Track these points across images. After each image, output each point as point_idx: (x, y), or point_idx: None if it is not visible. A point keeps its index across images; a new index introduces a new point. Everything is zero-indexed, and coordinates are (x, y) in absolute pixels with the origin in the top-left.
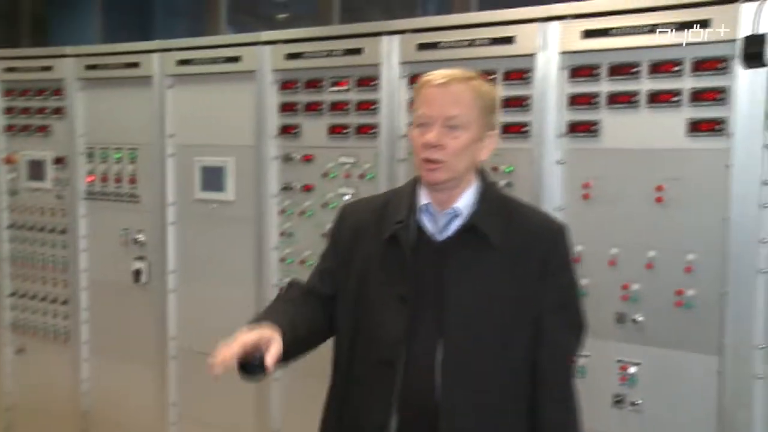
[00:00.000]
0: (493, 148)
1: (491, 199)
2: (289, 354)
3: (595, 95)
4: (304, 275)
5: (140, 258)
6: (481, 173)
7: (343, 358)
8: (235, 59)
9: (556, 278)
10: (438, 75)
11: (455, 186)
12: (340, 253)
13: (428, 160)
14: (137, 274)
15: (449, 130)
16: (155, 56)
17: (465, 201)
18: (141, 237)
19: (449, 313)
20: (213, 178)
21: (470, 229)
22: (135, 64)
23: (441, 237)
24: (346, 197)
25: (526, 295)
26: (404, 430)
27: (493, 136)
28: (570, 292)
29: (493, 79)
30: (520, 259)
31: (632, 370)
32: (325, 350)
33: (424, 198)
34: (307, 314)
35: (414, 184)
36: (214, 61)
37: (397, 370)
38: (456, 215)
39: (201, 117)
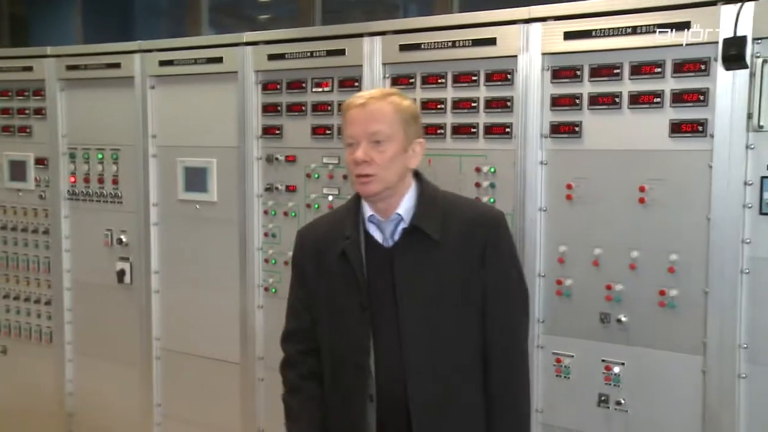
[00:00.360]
0: (422, 154)
1: (429, 199)
2: None
3: (577, 96)
4: (288, 275)
5: (124, 259)
6: (417, 176)
7: (326, 366)
8: (217, 60)
9: (496, 262)
10: (358, 97)
11: (392, 194)
12: (308, 280)
13: (360, 175)
14: (121, 274)
15: (374, 145)
16: (137, 57)
17: (405, 206)
18: (124, 238)
19: (404, 312)
20: (196, 179)
21: (413, 231)
22: (116, 65)
23: (389, 243)
24: (330, 198)
25: (471, 281)
26: (384, 423)
27: (420, 144)
28: (508, 272)
29: (476, 80)
30: (462, 249)
31: (616, 369)
32: None
33: (368, 210)
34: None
35: (358, 199)
36: (195, 61)
37: (367, 372)
38: (400, 220)
39: (183, 118)
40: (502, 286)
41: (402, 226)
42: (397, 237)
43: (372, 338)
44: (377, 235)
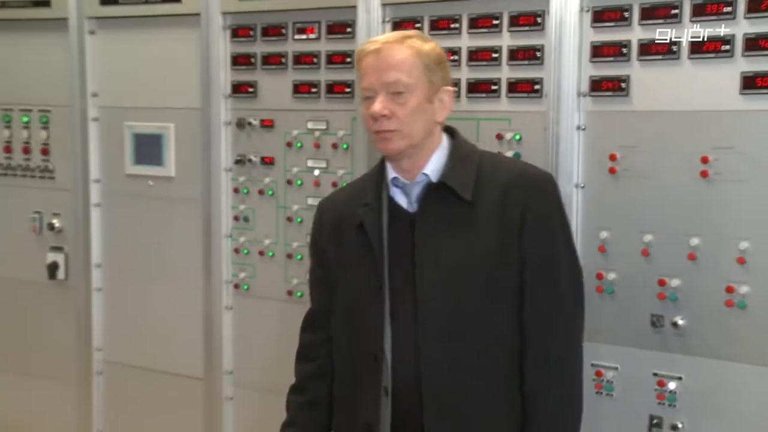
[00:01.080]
0: (452, 105)
1: (462, 155)
2: None
3: (624, 44)
4: (263, 268)
5: (56, 249)
6: (450, 132)
7: (339, 355)
8: None
9: (538, 234)
10: (371, 42)
11: (417, 152)
12: (327, 261)
13: (380, 131)
14: (53, 268)
15: (394, 96)
16: None
17: (433, 165)
18: (57, 222)
19: (422, 284)
20: (148, 149)
21: (440, 190)
22: (45, 3)
23: (415, 208)
24: (316, 172)
25: (507, 252)
26: (402, 419)
27: (448, 92)
28: (555, 249)
29: (497, 25)
30: (498, 213)
31: (672, 385)
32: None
33: (392, 172)
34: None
35: (383, 161)
36: (147, 0)
37: (381, 362)
38: (428, 182)
39: (132, 72)
40: (546, 262)
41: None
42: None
43: (390, 322)
44: (402, 201)
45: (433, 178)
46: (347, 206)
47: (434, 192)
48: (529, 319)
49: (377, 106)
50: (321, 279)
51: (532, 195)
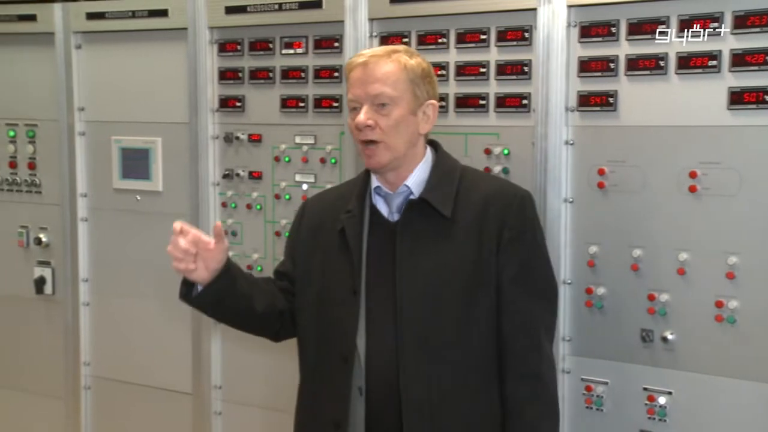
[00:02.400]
0: (436, 118)
1: (444, 171)
2: (222, 297)
3: (612, 59)
4: None
5: (44, 263)
6: (433, 145)
7: (307, 356)
8: (161, 13)
9: (514, 247)
10: (359, 55)
11: (401, 164)
12: (296, 254)
13: (365, 143)
14: (40, 283)
15: (378, 108)
16: (57, 7)
17: (416, 177)
18: (44, 237)
19: (402, 294)
20: (136, 164)
21: (420, 205)
22: (31, 17)
23: (396, 218)
24: (304, 186)
25: (483, 266)
26: (375, 420)
27: (432, 106)
28: (532, 261)
29: (485, 40)
30: (476, 229)
31: (662, 400)
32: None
33: (375, 182)
34: (264, 288)
35: (368, 170)
36: (134, 14)
37: (351, 364)
38: (409, 193)
39: (119, 86)
40: (521, 276)
41: (410, 198)
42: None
43: (366, 325)
44: (383, 209)
45: (414, 191)
46: (331, 210)
47: (415, 206)
48: (507, 331)
49: (362, 116)
50: (284, 272)
51: (509, 211)
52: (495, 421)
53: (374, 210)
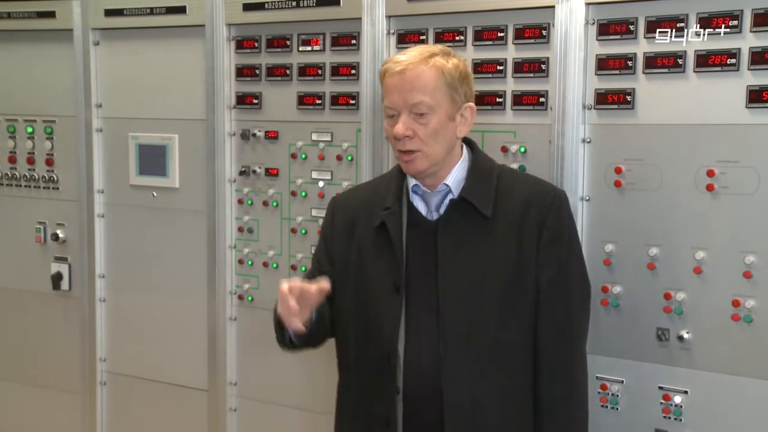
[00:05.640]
0: (473, 121)
1: (482, 171)
2: (313, 337)
3: (630, 57)
4: (267, 279)
5: (60, 259)
6: (470, 144)
7: (348, 354)
8: (179, 10)
9: (552, 248)
10: (395, 62)
11: (439, 169)
12: (333, 252)
13: (403, 151)
14: (57, 279)
15: (417, 117)
16: (76, 4)
17: (454, 176)
18: (61, 233)
19: (444, 293)
20: (153, 160)
21: (460, 204)
22: (50, 14)
23: (435, 216)
24: (321, 184)
25: (523, 266)
26: (411, 419)
27: (470, 108)
28: (570, 262)
29: (502, 37)
30: (516, 229)
31: (678, 399)
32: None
33: (412, 180)
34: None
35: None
36: (152, 11)
37: (394, 362)
38: (448, 192)
39: (137, 83)
40: (559, 277)
41: (450, 197)
42: (443, 210)
43: (404, 323)
44: (421, 208)
45: (454, 190)
46: (365, 206)
47: (456, 205)
48: (543, 331)
49: (400, 127)
50: (322, 272)
51: (548, 211)
52: (530, 419)
53: (412, 208)
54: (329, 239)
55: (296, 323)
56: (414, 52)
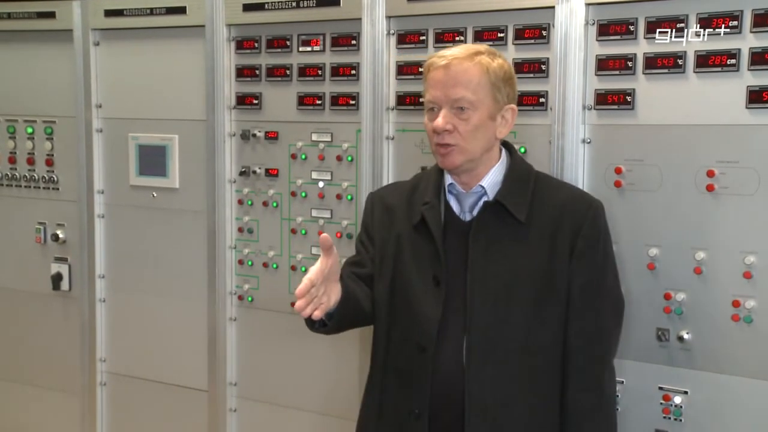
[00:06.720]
0: (513, 122)
1: (519, 175)
2: (343, 317)
3: (630, 57)
4: (267, 280)
5: (60, 259)
6: (508, 148)
7: (380, 345)
8: (179, 10)
9: (587, 257)
10: (441, 56)
11: (476, 166)
12: (375, 238)
13: (440, 145)
14: (57, 279)
15: (458, 112)
16: (76, 4)
17: (491, 179)
18: (61, 233)
19: (473, 297)
20: (153, 160)
21: (495, 207)
22: (50, 14)
23: (468, 217)
24: (320, 184)
25: (555, 273)
26: (436, 415)
27: (512, 110)
28: (603, 272)
29: (502, 38)
30: (550, 235)
31: (678, 399)
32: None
33: (448, 179)
34: (362, 290)
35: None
36: (152, 11)
37: (430, 356)
38: (483, 194)
39: (137, 83)
40: (592, 285)
41: (484, 199)
42: (476, 212)
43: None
44: (455, 207)
45: (489, 192)
46: (404, 199)
47: (490, 208)
48: (573, 341)
49: (440, 120)
50: (365, 258)
51: (584, 220)
52: (555, 427)
53: (447, 206)
54: (370, 227)
55: (318, 313)
56: (460, 49)
